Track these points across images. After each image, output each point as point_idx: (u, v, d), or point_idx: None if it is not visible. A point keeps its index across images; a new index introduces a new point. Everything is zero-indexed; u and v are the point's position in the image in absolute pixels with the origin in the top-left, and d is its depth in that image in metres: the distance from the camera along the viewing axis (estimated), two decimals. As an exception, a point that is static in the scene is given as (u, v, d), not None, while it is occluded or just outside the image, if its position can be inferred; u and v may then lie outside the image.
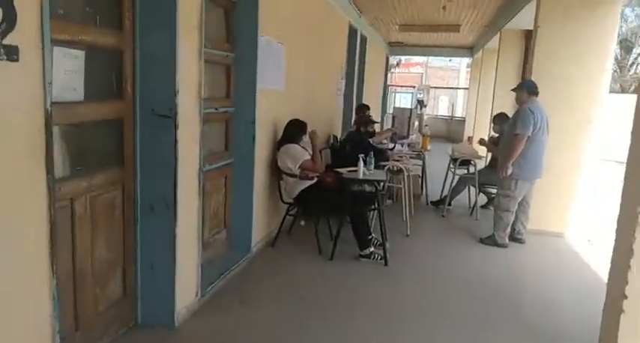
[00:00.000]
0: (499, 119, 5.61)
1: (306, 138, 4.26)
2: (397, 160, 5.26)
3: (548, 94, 4.69)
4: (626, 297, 2.20)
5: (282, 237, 4.42)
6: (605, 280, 2.24)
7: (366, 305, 3.30)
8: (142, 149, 2.68)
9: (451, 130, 16.29)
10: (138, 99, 2.63)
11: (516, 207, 4.64)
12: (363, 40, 9.23)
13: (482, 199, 6.18)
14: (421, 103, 16.14)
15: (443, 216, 5.76)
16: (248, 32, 3.71)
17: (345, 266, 3.96)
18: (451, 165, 6.09)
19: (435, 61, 26.54)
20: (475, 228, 5.35)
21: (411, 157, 6.09)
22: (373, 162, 4.27)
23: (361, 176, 4.06)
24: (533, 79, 4.82)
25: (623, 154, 2.32)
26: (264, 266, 3.86)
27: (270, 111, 4.17)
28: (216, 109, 3.51)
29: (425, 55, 19.09)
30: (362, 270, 3.90)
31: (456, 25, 9.42)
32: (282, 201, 4.30)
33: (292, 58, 4.55)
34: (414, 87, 18.90)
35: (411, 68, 28.72)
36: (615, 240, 2.35)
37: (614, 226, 2.34)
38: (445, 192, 6.07)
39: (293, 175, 4.12)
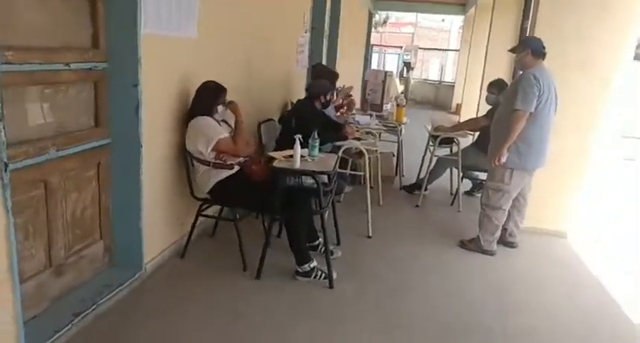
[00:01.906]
0: (495, 87, 4.41)
1: (223, 109, 3.06)
2: (358, 138, 4.07)
3: (555, 58, 3.52)
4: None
5: (201, 241, 3.30)
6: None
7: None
8: None
9: (439, 96, 15.07)
10: None
11: (510, 203, 3.55)
12: (337, -14, 7.83)
13: (467, 184, 5.09)
14: (408, 66, 14.86)
15: (417, 205, 4.65)
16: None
17: (274, 290, 2.86)
18: (430, 143, 4.93)
19: (426, 21, 24.95)
20: (456, 222, 4.29)
21: (382, 132, 4.93)
22: (318, 143, 3.09)
23: (297, 165, 2.89)
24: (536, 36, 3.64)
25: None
26: (153, 295, 2.69)
27: (172, 70, 2.95)
28: (66, 65, 2.29)
29: (413, 11, 17.50)
30: (295, 297, 2.81)
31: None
32: (194, 197, 3.13)
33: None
34: (400, 47, 17.48)
35: (402, 28, 26.99)
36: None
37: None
38: (422, 176, 4.96)
39: (205, 162, 2.95)
